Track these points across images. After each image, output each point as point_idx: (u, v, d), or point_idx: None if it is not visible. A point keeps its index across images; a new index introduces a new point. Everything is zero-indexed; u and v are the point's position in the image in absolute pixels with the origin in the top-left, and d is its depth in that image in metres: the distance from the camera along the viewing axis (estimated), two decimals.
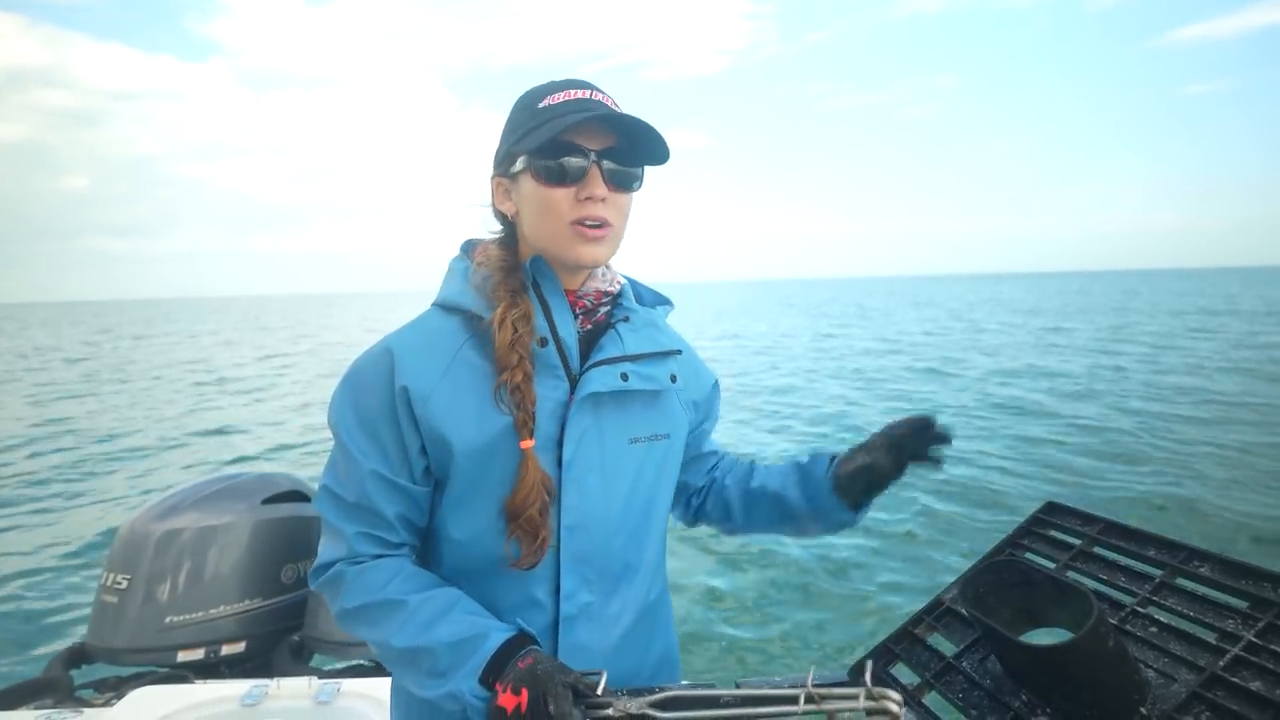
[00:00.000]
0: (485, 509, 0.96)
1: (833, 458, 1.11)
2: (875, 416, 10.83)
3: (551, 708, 0.80)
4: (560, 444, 0.97)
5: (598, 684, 0.85)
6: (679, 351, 1.11)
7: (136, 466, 9.26)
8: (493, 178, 1.04)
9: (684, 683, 1.02)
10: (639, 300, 1.11)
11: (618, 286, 1.08)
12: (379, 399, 0.95)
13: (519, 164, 0.97)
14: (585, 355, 1.01)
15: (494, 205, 1.05)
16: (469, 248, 1.09)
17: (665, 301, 1.15)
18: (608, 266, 1.08)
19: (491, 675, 0.84)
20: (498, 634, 0.88)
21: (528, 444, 0.93)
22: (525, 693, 0.81)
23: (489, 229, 1.08)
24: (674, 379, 1.08)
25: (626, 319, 1.05)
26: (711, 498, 1.24)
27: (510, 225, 1.05)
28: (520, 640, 0.88)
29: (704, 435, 1.23)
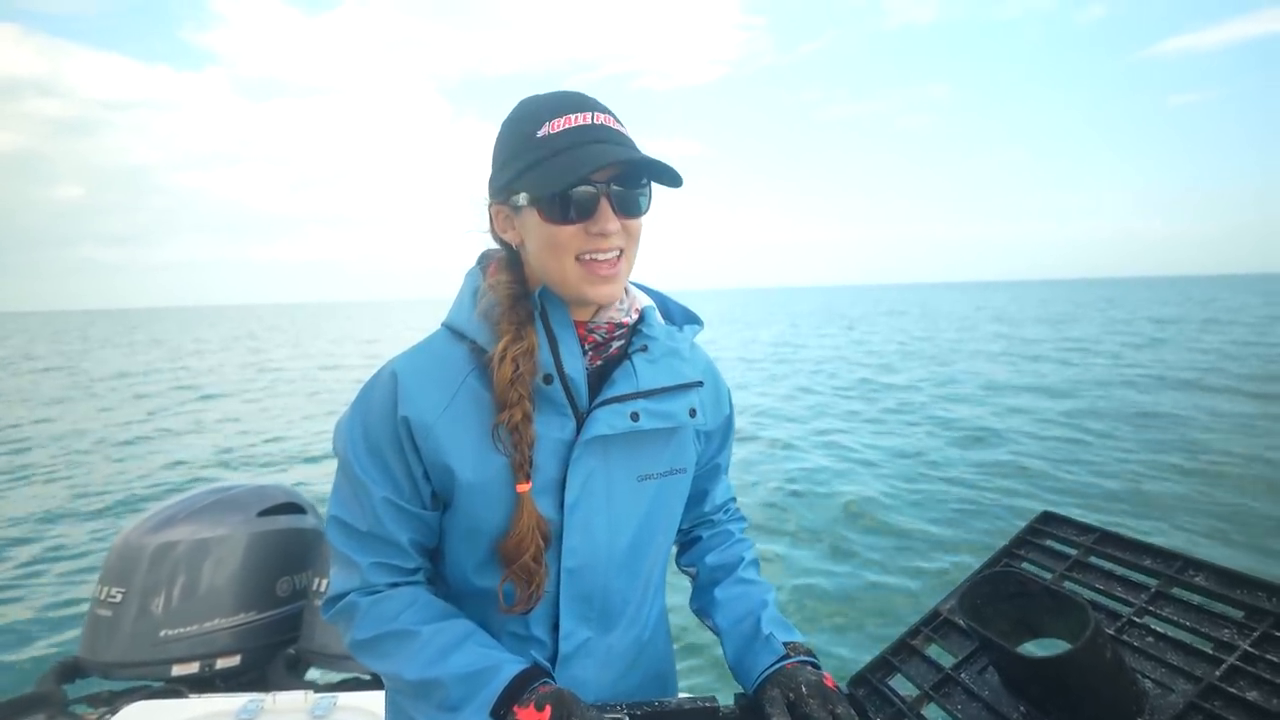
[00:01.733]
0: (481, 547, 0.94)
1: (776, 663, 0.98)
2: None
3: None
4: (563, 486, 0.93)
5: None
6: (700, 383, 1.04)
7: (139, 478, 9.20)
8: (491, 205, 0.98)
9: (684, 695, 1.02)
10: (668, 317, 1.06)
11: (635, 316, 1.01)
12: (385, 426, 0.92)
13: (522, 199, 0.91)
14: (597, 390, 0.96)
15: (494, 233, 1.00)
16: (485, 260, 1.04)
17: (695, 320, 1.08)
18: (626, 292, 1.02)
19: (503, 707, 0.82)
20: (510, 666, 0.86)
21: (524, 487, 0.90)
22: (549, 709, 0.80)
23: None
24: (693, 413, 1.02)
25: (645, 348, 0.99)
26: (685, 557, 1.19)
27: (515, 252, 0.99)
28: (533, 673, 0.87)
29: (715, 473, 1.17)
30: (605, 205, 0.89)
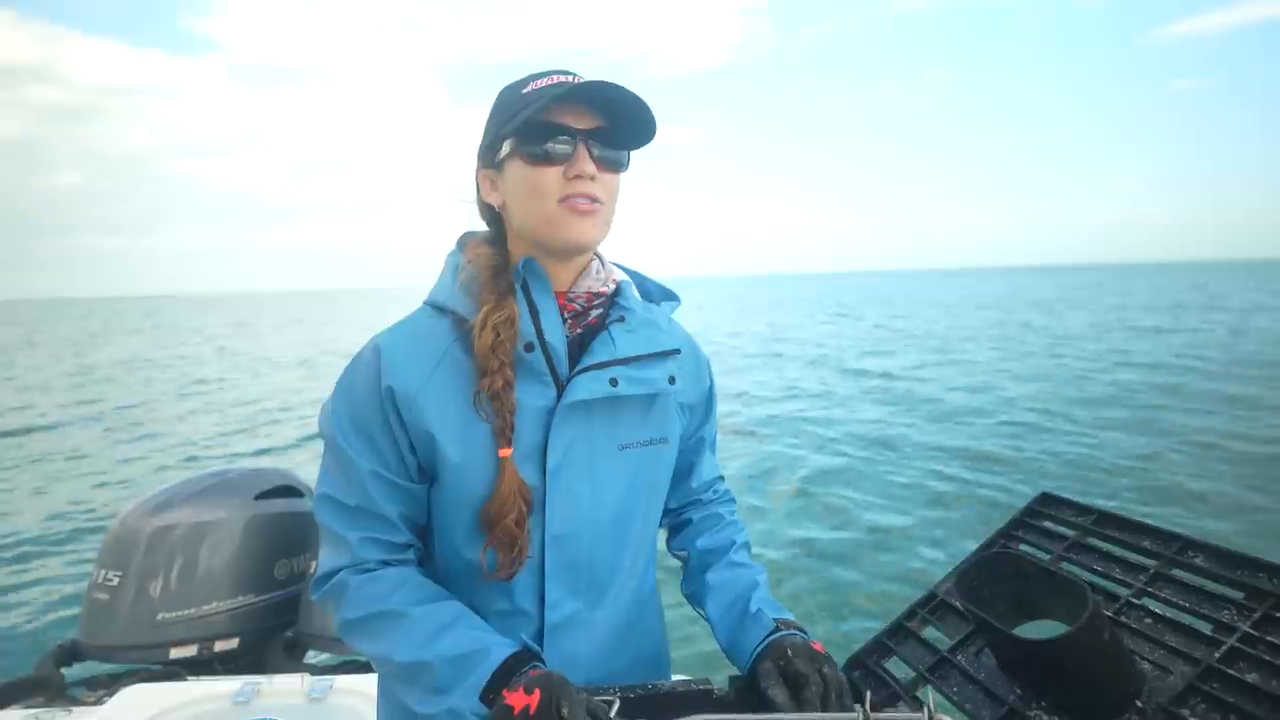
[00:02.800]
0: (468, 516, 0.94)
1: (767, 638, 0.97)
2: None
3: (565, 712, 0.78)
4: (545, 452, 0.94)
5: (611, 708, 0.83)
6: (678, 351, 1.06)
7: (137, 462, 9.23)
8: (478, 171, 1.01)
9: (680, 677, 1.01)
10: (646, 296, 1.08)
11: (612, 286, 1.04)
12: (369, 400, 0.94)
13: (505, 149, 0.94)
14: (576, 359, 0.98)
15: (479, 200, 1.03)
16: (464, 242, 1.06)
17: (672, 297, 1.10)
18: (602, 264, 1.05)
19: (492, 692, 0.82)
20: (500, 650, 0.86)
21: (505, 452, 0.91)
22: (539, 694, 0.79)
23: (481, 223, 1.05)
24: (673, 380, 1.04)
25: (622, 319, 1.01)
26: (676, 541, 1.18)
27: (499, 222, 1.02)
28: (523, 657, 0.86)
29: (699, 447, 1.17)
30: (583, 150, 0.92)
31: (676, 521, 1.20)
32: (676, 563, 1.19)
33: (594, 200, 0.94)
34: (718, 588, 1.08)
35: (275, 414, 12.51)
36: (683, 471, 1.16)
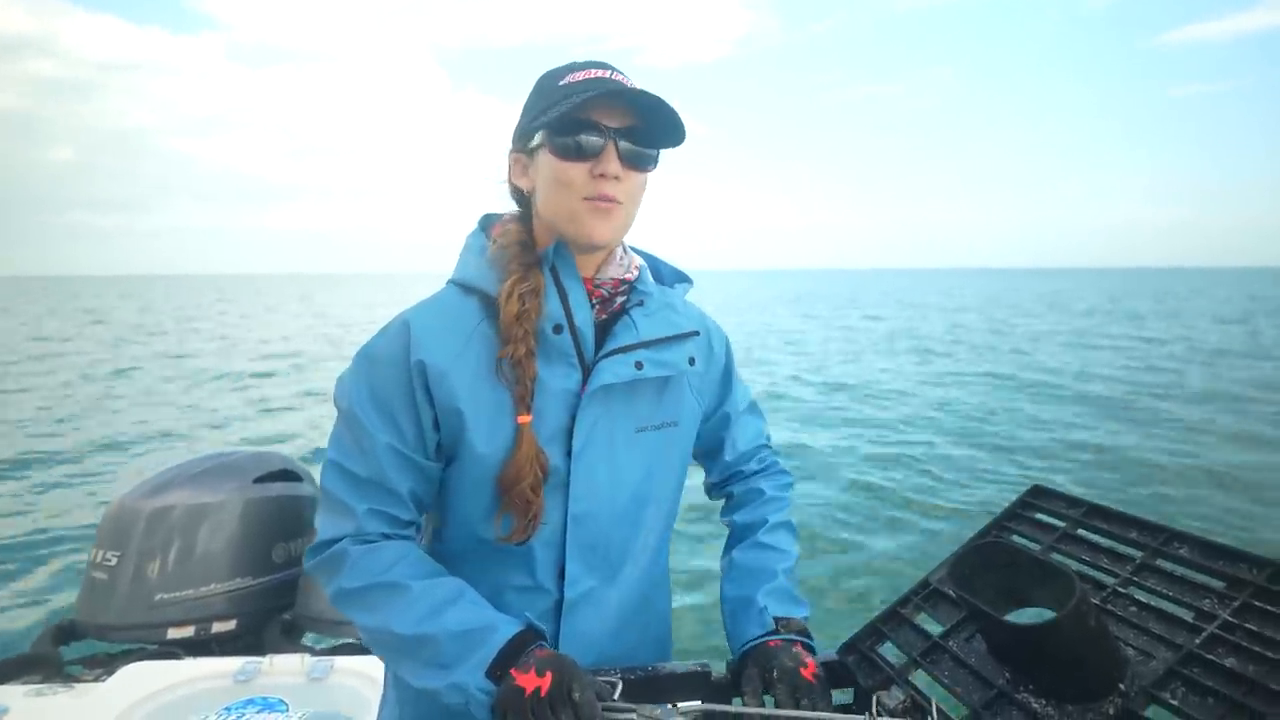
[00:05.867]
0: (489, 493, 0.95)
1: (760, 638, 1.00)
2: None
3: (577, 695, 0.79)
4: (570, 434, 0.96)
5: (615, 690, 0.85)
6: (697, 333, 1.08)
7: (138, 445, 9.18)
8: (511, 153, 1.03)
9: (678, 663, 1.03)
10: (659, 278, 1.10)
11: (635, 272, 1.06)
12: (395, 373, 0.94)
13: (537, 139, 0.96)
14: (600, 343, 0.99)
15: (510, 180, 1.04)
16: (487, 223, 1.07)
17: (685, 279, 1.13)
18: (625, 251, 1.06)
19: (499, 669, 0.83)
20: (507, 627, 0.87)
21: (525, 419, 0.93)
22: (550, 676, 0.80)
23: (503, 208, 1.07)
24: (693, 362, 1.07)
25: (641, 303, 1.03)
26: (723, 513, 1.22)
27: (527, 203, 1.04)
28: (530, 635, 0.88)
29: (726, 422, 1.18)
30: (611, 149, 0.93)
31: (722, 494, 1.23)
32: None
33: (615, 201, 0.95)
34: (736, 567, 1.11)
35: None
36: (715, 448, 1.19)
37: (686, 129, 0.96)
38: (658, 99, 0.92)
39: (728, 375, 1.18)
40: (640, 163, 0.96)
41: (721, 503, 1.25)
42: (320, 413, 10.80)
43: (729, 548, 1.16)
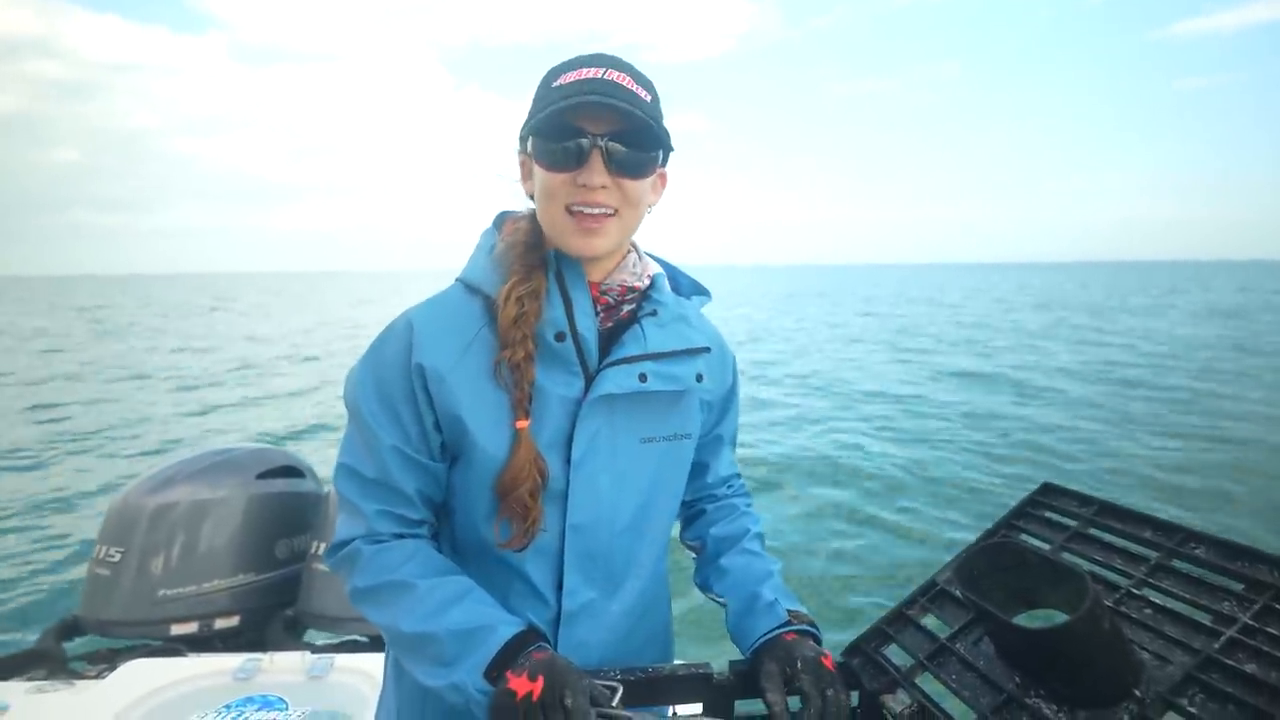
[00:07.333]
0: (488, 497, 0.94)
1: (777, 629, 0.97)
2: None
3: (569, 701, 0.78)
4: (570, 442, 0.94)
5: (614, 695, 0.83)
6: (707, 349, 1.05)
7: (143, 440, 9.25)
8: (519, 154, 0.99)
9: (678, 664, 1.01)
10: (676, 289, 1.06)
11: (647, 280, 1.02)
12: (397, 375, 0.93)
13: (530, 145, 0.93)
14: (606, 351, 0.97)
15: (522, 182, 1.01)
16: (500, 220, 1.04)
17: (703, 292, 1.09)
18: (640, 257, 1.03)
19: (496, 670, 0.82)
20: (506, 628, 0.86)
21: (522, 424, 0.91)
22: (542, 680, 0.79)
23: (521, 205, 1.03)
24: (700, 378, 1.03)
25: (654, 313, 1.00)
26: (690, 531, 1.18)
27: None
28: (529, 636, 0.86)
29: (717, 445, 1.16)
30: (596, 157, 0.88)
31: (690, 513, 1.19)
32: (685, 558, 1.19)
33: (604, 211, 0.91)
34: (731, 571, 1.08)
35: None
36: (698, 467, 1.15)
37: (670, 132, 0.91)
38: (629, 109, 0.87)
39: (729, 399, 1.15)
40: (633, 169, 0.90)
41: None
42: (327, 407, 10.85)
43: (712, 558, 1.12)
